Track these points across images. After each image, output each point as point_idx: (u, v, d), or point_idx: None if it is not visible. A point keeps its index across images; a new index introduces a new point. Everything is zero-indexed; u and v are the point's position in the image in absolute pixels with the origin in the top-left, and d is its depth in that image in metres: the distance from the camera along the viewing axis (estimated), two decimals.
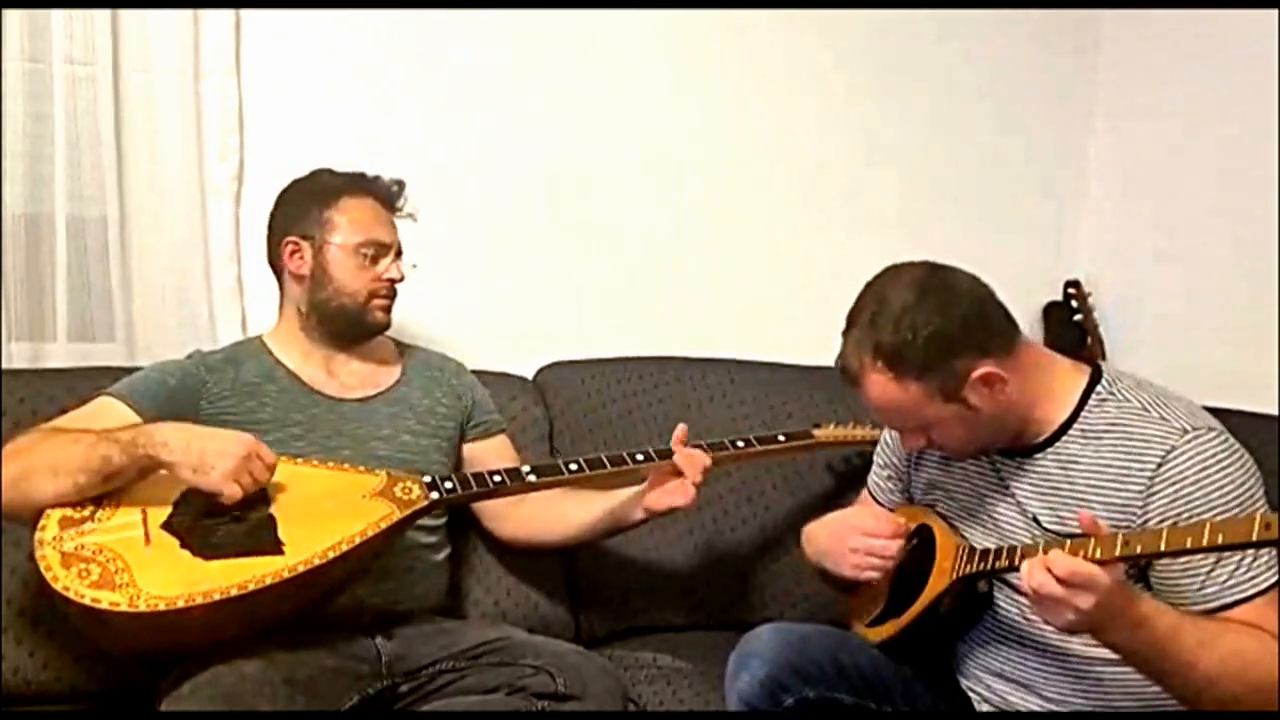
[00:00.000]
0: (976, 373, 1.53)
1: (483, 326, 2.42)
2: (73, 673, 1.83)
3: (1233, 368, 2.40)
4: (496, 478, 1.87)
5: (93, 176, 2.16)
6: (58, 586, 1.55)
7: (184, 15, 2.16)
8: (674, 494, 1.87)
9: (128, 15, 2.14)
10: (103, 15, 2.11)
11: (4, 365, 2.10)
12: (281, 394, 1.91)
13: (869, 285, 1.60)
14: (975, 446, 1.65)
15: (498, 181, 2.48)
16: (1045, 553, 1.35)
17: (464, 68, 2.43)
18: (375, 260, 1.94)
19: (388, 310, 1.97)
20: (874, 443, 1.96)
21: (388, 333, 2.04)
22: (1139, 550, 1.31)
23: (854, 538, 1.69)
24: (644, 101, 2.56)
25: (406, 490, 1.79)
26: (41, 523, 1.62)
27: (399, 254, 1.98)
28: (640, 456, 1.93)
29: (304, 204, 1.96)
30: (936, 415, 1.57)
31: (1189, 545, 1.28)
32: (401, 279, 1.97)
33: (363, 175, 2.01)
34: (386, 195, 2.00)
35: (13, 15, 2.08)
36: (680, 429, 1.92)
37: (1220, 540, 1.24)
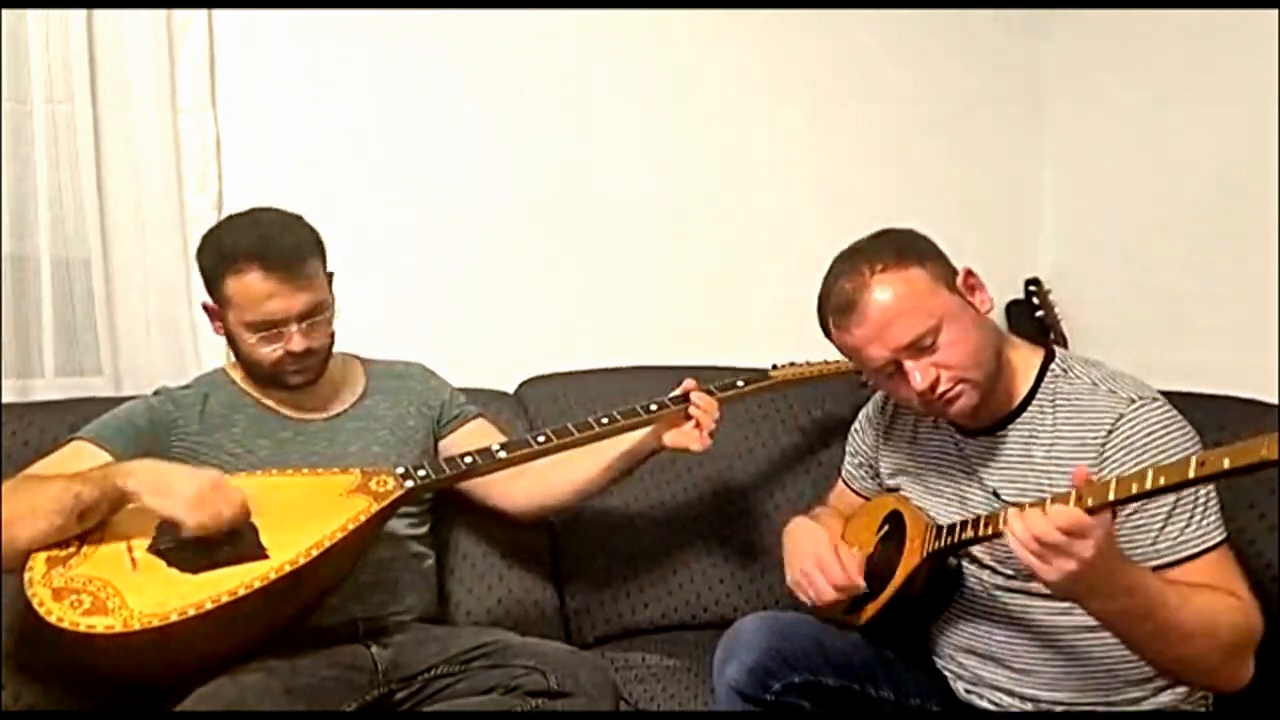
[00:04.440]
0: (961, 271, 1.65)
1: (463, 341, 2.46)
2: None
3: (1192, 360, 2.43)
4: (468, 459, 1.88)
5: (75, 212, 2.20)
6: (51, 619, 1.57)
7: (160, 52, 2.22)
8: (689, 437, 1.93)
9: (105, 53, 2.19)
10: (80, 54, 2.16)
11: None
12: (250, 422, 1.93)
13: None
14: (982, 363, 1.60)
15: (475, 198, 2.52)
16: (1022, 511, 1.38)
17: (437, 94, 2.48)
18: (273, 337, 1.85)
19: (302, 374, 1.90)
20: (832, 375, 2.05)
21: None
22: (1122, 494, 1.33)
23: (807, 562, 1.73)
24: (620, 120, 2.61)
25: (381, 483, 1.82)
26: (29, 564, 1.65)
27: (306, 317, 1.84)
28: (605, 420, 1.93)
29: (209, 266, 1.87)
30: (945, 306, 1.60)
31: (1152, 485, 1.31)
32: (305, 350, 1.85)
33: (257, 240, 1.82)
34: (281, 263, 1.82)
35: None
36: (689, 381, 1.97)
37: (1162, 482, 1.30)
